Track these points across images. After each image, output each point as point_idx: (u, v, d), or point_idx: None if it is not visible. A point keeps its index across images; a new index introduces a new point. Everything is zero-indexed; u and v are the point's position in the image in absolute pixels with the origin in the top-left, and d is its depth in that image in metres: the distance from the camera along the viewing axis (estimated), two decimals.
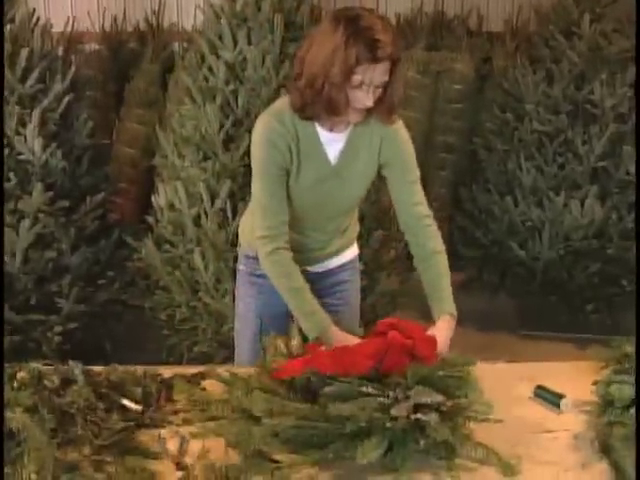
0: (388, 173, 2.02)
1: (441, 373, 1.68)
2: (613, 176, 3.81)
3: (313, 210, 2.03)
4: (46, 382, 1.73)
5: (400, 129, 2.00)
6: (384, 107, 1.88)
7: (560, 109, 3.87)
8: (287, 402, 1.64)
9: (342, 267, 2.22)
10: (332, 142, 1.96)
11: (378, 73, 1.78)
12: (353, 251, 2.26)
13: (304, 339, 1.93)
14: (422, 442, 1.56)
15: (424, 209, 2.03)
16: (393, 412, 1.57)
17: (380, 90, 1.83)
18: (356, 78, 1.77)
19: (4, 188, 3.09)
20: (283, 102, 1.95)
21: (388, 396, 1.62)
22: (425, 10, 5.29)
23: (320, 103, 1.83)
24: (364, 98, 1.81)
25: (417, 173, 2.03)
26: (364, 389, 1.64)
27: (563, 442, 1.70)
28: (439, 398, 1.61)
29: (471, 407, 1.64)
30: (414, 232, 2.02)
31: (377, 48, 1.74)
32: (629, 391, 1.66)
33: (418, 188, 2.03)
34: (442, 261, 2.01)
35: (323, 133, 1.94)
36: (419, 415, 1.57)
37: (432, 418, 1.56)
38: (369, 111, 1.88)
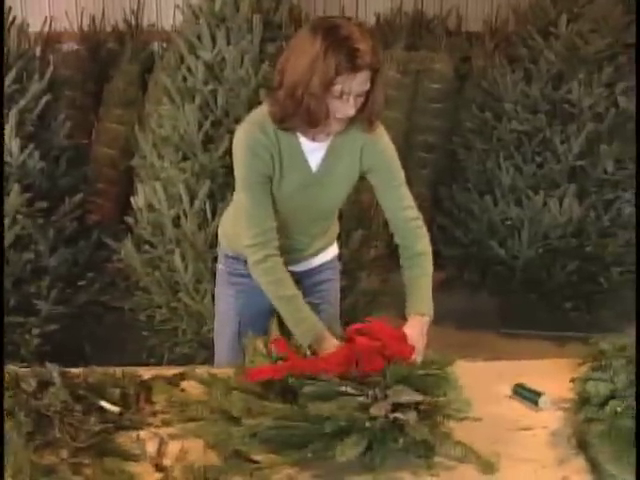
0: (373, 179, 2.03)
1: (420, 372, 1.69)
2: (591, 175, 3.84)
3: (295, 215, 2.04)
4: (23, 385, 1.72)
5: (381, 135, 2.00)
6: (365, 115, 1.88)
7: (538, 108, 3.89)
8: (266, 402, 1.64)
9: (323, 266, 2.23)
10: (314, 151, 1.96)
11: (358, 82, 1.77)
12: (333, 250, 2.27)
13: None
14: (401, 441, 1.57)
15: (412, 212, 2.04)
16: (372, 411, 1.57)
17: (361, 99, 1.82)
18: (336, 88, 1.76)
19: None
20: (264, 111, 1.93)
21: (367, 395, 1.63)
22: (404, 10, 5.31)
23: (300, 115, 1.82)
24: (345, 108, 1.80)
25: (402, 176, 2.03)
26: (343, 389, 1.64)
27: (541, 439, 1.72)
28: (418, 397, 1.62)
29: (450, 405, 1.65)
30: (403, 235, 2.04)
31: (356, 57, 1.73)
32: (605, 388, 1.68)
33: (404, 191, 2.03)
34: (426, 262, 2.02)
35: (305, 142, 1.94)
36: (398, 414, 1.57)
37: (411, 417, 1.57)
38: (351, 119, 1.88)
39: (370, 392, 1.64)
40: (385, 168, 2.01)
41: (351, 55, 1.73)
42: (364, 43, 1.74)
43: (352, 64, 1.73)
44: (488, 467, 1.57)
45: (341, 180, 2.02)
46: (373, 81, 1.80)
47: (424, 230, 2.04)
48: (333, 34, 1.74)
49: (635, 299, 2.04)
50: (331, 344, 1.84)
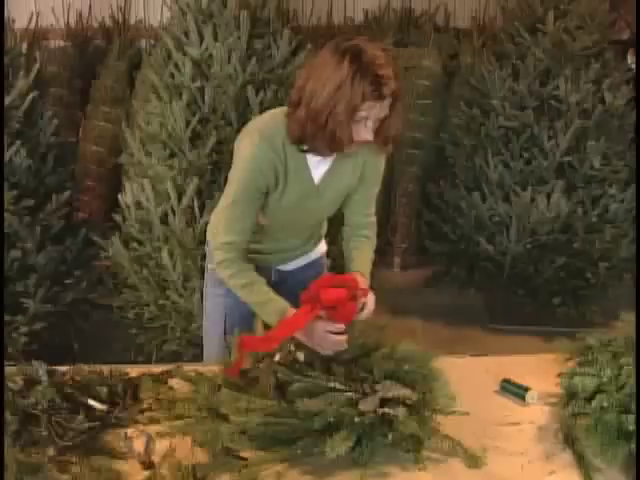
0: (358, 186, 2.05)
1: (407, 368, 1.70)
2: (578, 171, 3.85)
3: (292, 223, 2.06)
4: (10, 383, 1.71)
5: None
6: (380, 139, 1.85)
7: (526, 105, 3.91)
8: (254, 399, 1.64)
9: (311, 264, 2.23)
10: (319, 164, 1.95)
11: (381, 109, 1.77)
12: (321, 248, 2.28)
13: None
14: (390, 436, 1.57)
15: (371, 219, 2.13)
16: (361, 407, 1.58)
17: (377, 122, 1.81)
18: (361, 115, 1.75)
19: None
20: (276, 121, 1.90)
21: (356, 391, 1.63)
22: (393, 7, 5.32)
23: (322, 138, 1.80)
24: (364, 132, 1.80)
25: (378, 188, 2.09)
26: (331, 384, 1.64)
27: (528, 434, 1.73)
28: (406, 392, 1.62)
29: (437, 400, 1.65)
30: (357, 228, 2.12)
31: (382, 85, 1.72)
32: (591, 383, 1.69)
33: (373, 201, 2.11)
34: (369, 245, 2.11)
35: (311, 158, 1.93)
36: (386, 409, 1.58)
37: (399, 412, 1.58)
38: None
39: (358, 387, 1.64)
40: (372, 179, 2.05)
41: (377, 83, 1.72)
42: (388, 69, 1.73)
43: (379, 92, 1.72)
44: (475, 461, 1.58)
45: (341, 192, 2.04)
46: (392, 106, 1.79)
47: (374, 234, 2.14)
48: (359, 59, 1.72)
49: (635, 298, 2.05)
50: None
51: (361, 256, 2.08)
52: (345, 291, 1.79)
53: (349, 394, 1.63)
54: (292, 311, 1.87)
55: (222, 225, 1.98)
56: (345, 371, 1.72)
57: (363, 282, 1.93)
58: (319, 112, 1.76)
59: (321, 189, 1.98)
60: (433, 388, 1.68)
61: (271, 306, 1.91)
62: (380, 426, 1.58)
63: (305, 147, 1.86)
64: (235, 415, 1.61)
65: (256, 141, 1.87)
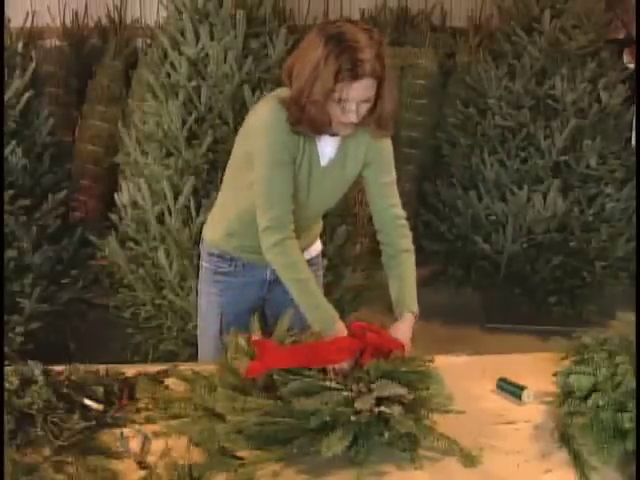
0: (365, 173, 2.03)
1: (403, 368, 1.70)
2: (574, 170, 3.86)
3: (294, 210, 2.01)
4: (5, 383, 1.70)
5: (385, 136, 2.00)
6: (372, 121, 1.86)
7: (522, 104, 3.91)
8: (250, 398, 1.63)
9: (307, 263, 2.22)
10: (326, 146, 1.94)
11: (358, 90, 1.76)
12: (317, 247, 2.27)
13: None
14: (386, 434, 1.57)
15: (398, 210, 2.05)
16: (357, 405, 1.58)
17: (367, 105, 1.81)
18: (336, 95, 1.75)
19: None
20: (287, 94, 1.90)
21: (351, 390, 1.63)
22: (389, 6, 5.32)
23: (305, 119, 1.81)
24: (346, 114, 1.79)
25: (393, 176, 2.04)
26: (327, 383, 1.64)
27: (524, 433, 1.72)
28: (402, 390, 1.62)
29: (433, 399, 1.65)
30: (386, 232, 2.05)
31: (356, 65, 1.72)
32: (587, 381, 1.69)
33: (393, 190, 2.05)
34: (409, 260, 2.04)
35: (321, 140, 1.92)
36: (383, 408, 1.58)
37: (395, 410, 1.57)
38: (360, 122, 1.86)
39: (354, 386, 1.64)
40: (379, 163, 2.02)
41: (352, 63, 1.71)
42: (367, 51, 1.73)
43: (351, 72, 1.72)
44: (471, 460, 1.58)
45: (342, 183, 2.03)
46: (380, 88, 1.79)
47: (407, 229, 2.06)
48: (336, 41, 1.73)
49: (635, 296, 2.05)
50: (342, 328, 1.85)
51: (404, 284, 2.00)
52: (387, 350, 1.78)
53: (345, 393, 1.63)
54: (341, 324, 1.85)
55: (264, 202, 1.91)
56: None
57: (407, 333, 1.90)
58: (300, 94, 1.78)
59: (326, 172, 1.96)
60: (429, 387, 1.68)
61: (321, 312, 1.88)
62: (376, 425, 1.58)
63: (296, 128, 1.86)
64: (231, 414, 1.61)
65: (274, 108, 1.86)
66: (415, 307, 1.97)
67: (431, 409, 1.65)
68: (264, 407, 1.61)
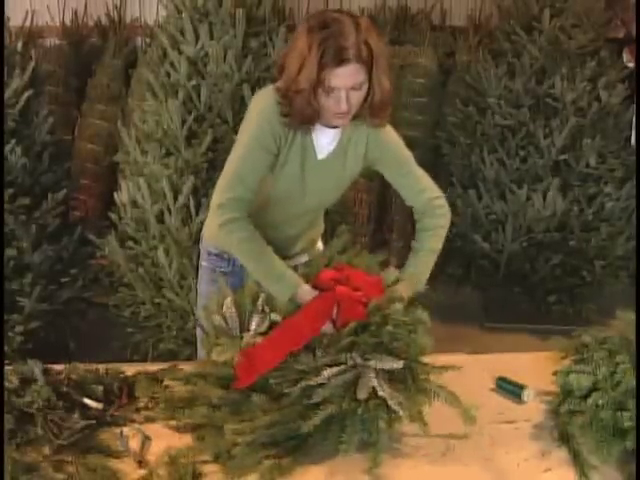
0: (382, 170, 2.03)
1: (388, 327, 1.69)
2: (574, 169, 3.86)
3: (289, 202, 2.00)
4: (5, 382, 1.70)
5: (385, 125, 1.99)
6: (366, 109, 1.85)
7: (522, 103, 3.91)
8: (252, 397, 1.63)
9: None
10: (323, 138, 1.92)
11: (345, 77, 1.75)
12: (318, 248, 2.26)
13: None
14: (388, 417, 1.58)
15: (429, 193, 2.03)
16: (359, 396, 1.58)
17: (359, 93, 1.80)
18: (325, 84, 1.75)
19: None
20: None
21: (344, 363, 1.63)
22: (389, 5, 5.31)
23: (294, 110, 1.81)
24: (337, 104, 1.78)
25: (411, 162, 2.02)
26: (318, 363, 1.64)
27: (524, 432, 1.73)
28: (397, 364, 1.62)
29: (418, 345, 1.70)
30: (422, 212, 2.04)
31: (340, 52, 1.71)
32: (587, 381, 1.69)
33: (417, 175, 2.03)
34: (436, 236, 2.03)
35: (318, 132, 1.91)
36: (381, 393, 1.58)
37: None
38: (356, 113, 1.85)
39: (349, 360, 1.63)
40: (391, 158, 2.01)
41: (335, 49, 1.71)
42: (351, 37, 1.72)
43: (335, 58, 1.72)
44: (470, 418, 1.61)
45: (342, 176, 2.01)
46: (371, 75, 1.78)
47: (441, 208, 2.04)
48: (319, 29, 1.73)
49: (635, 296, 2.05)
50: (308, 293, 1.81)
51: (414, 261, 2.02)
52: (363, 302, 1.73)
53: (346, 375, 1.60)
54: (305, 287, 1.81)
55: (228, 180, 1.90)
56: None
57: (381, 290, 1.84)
58: (288, 84, 1.79)
59: (325, 165, 1.95)
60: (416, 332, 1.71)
61: (283, 281, 1.83)
62: (380, 410, 1.58)
63: (287, 120, 1.85)
64: (232, 414, 1.61)
65: (271, 101, 1.86)
66: (418, 285, 1.96)
67: (427, 371, 1.68)
68: (267, 406, 1.61)
